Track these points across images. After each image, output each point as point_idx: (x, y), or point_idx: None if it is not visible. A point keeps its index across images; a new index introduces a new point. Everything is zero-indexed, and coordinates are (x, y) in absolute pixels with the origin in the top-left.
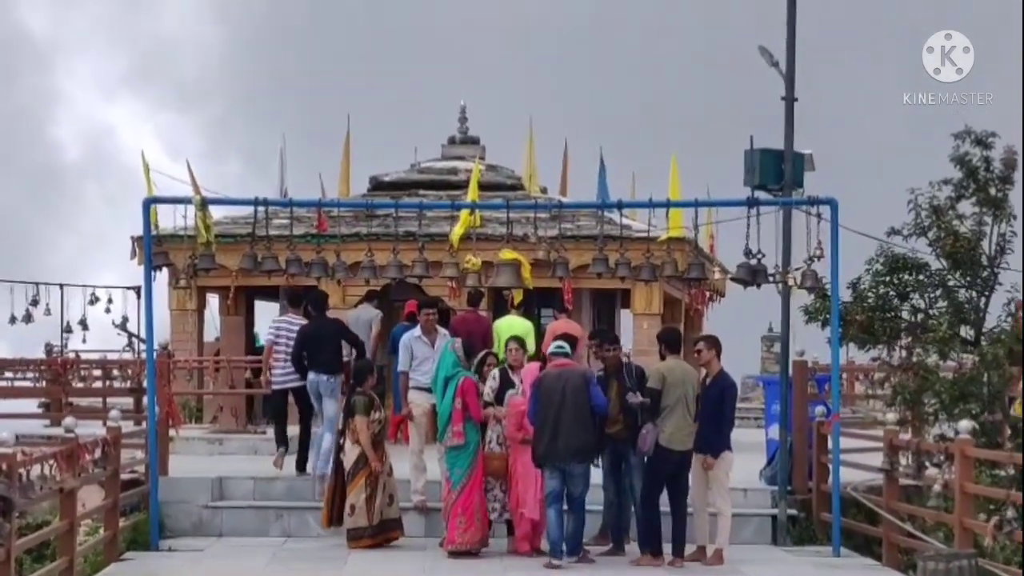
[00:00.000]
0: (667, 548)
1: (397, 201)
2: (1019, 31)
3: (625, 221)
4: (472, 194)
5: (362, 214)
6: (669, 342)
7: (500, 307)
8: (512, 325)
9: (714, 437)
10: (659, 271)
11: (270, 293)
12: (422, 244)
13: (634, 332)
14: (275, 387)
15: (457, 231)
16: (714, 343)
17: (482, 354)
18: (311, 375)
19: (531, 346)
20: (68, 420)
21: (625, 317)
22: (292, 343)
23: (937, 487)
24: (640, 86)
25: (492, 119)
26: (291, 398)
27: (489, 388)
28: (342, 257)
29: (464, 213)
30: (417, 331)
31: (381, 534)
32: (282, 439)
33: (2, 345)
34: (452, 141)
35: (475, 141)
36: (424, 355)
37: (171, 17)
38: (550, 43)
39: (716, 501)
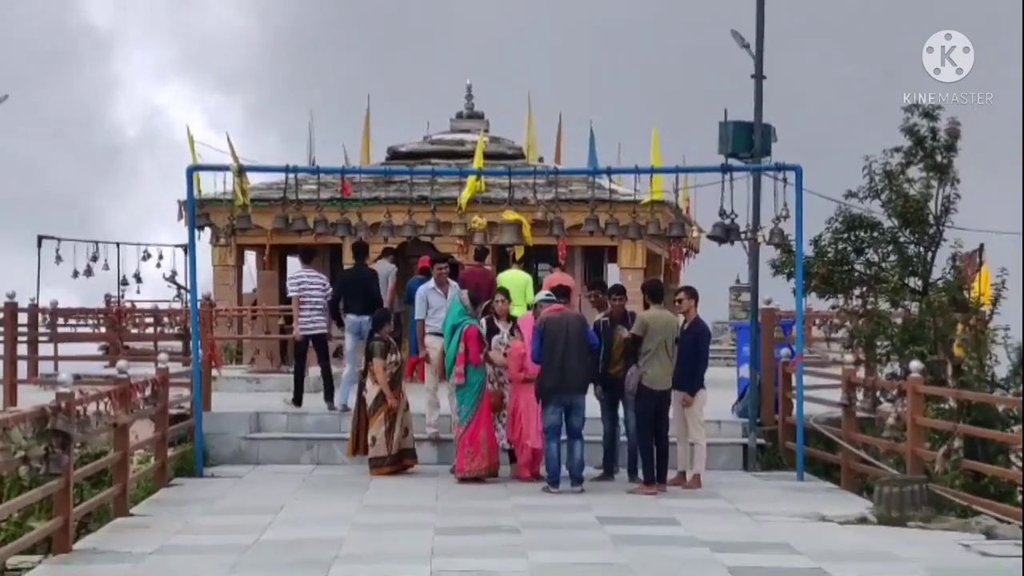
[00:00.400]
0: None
1: (412, 168)
2: (1019, 31)
3: (613, 186)
4: (478, 162)
5: (381, 180)
6: (652, 292)
7: (503, 262)
8: (513, 277)
9: (691, 377)
10: (643, 230)
11: (306, 251)
12: (434, 207)
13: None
14: (303, 333)
15: (465, 195)
16: (693, 293)
17: (485, 303)
18: (352, 318)
19: (530, 296)
20: (121, 363)
21: (612, 271)
22: (313, 295)
23: (891, 420)
24: (626, 67)
25: (495, 96)
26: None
27: None
28: (363, 218)
29: (471, 179)
30: (432, 283)
31: (398, 463)
32: (299, 394)
33: (68, 296)
34: (460, 116)
35: (480, 116)
36: (438, 304)
37: (216, 11)
38: (547, 27)
39: (693, 433)
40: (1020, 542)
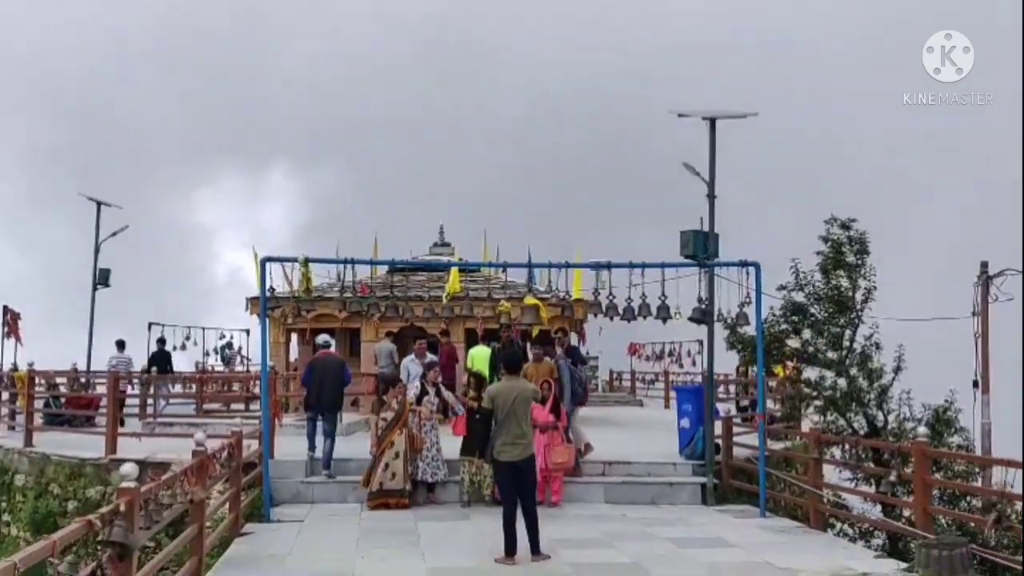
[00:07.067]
0: None
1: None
2: (1019, 31)
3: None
4: (455, 274)
5: (387, 284)
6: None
7: (472, 339)
8: (481, 350)
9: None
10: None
11: (330, 332)
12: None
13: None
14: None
15: (448, 287)
16: None
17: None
18: None
19: (483, 364)
20: (199, 435)
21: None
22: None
23: (892, 476)
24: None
25: (460, 232)
26: None
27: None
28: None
29: (454, 273)
30: (412, 356)
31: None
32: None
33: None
34: (436, 244)
35: (449, 244)
36: (415, 371)
37: (273, 210)
38: (499, 181)
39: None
40: None
